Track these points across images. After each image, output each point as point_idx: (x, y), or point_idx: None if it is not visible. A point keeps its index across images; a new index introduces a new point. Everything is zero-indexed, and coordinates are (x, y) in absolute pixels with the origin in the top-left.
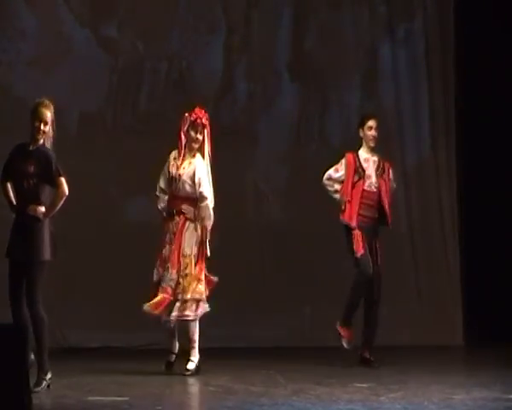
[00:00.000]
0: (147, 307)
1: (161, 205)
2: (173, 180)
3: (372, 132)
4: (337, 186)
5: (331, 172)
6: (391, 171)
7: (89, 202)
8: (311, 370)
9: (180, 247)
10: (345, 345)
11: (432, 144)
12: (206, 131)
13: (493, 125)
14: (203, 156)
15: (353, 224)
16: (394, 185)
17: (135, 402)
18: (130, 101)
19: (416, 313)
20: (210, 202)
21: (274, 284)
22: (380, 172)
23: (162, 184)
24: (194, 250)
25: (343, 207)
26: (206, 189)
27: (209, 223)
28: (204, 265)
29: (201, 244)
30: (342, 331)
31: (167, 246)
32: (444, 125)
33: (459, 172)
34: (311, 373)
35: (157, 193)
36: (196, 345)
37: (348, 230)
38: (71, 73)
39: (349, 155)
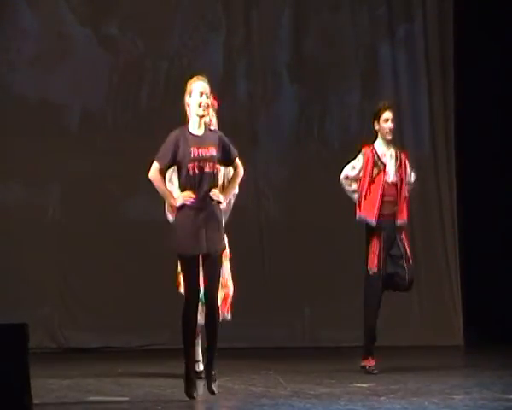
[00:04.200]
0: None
1: None
2: None
3: (388, 124)
4: (355, 186)
5: (348, 170)
6: (407, 162)
7: (89, 200)
8: (311, 370)
9: None
10: (375, 372)
11: (432, 144)
12: None
13: (493, 125)
14: None
15: (373, 220)
16: (413, 175)
17: (135, 402)
18: (130, 99)
19: (416, 313)
20: None
21: (274, 284)
22: (398, 165)
23: None
24: None
25: (360, 202)
26: None
27: None
28: None
29: None
30: (367, 363)
31: None
32: (444, 125)
33: (459, 172)
34: (311, 373)
35: None
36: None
37: (366, 230)
38: (72, 72)
39: (366, 149)
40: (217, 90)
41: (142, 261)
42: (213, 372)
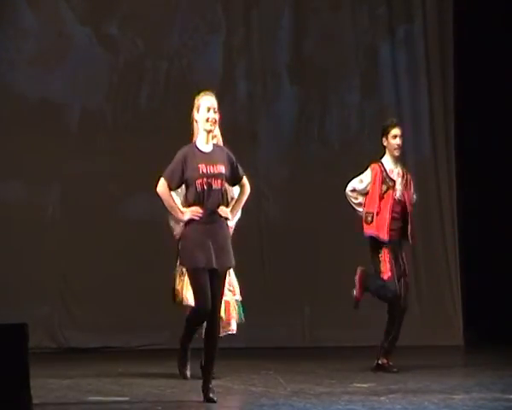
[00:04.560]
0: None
1: None
2: None
3: (397, 141)
4: (361, 199)
5: (355, 183)
6: (412, 182)
7: (89, 200)
8: (311, 370)
9: None
10: (353, 293)
11: (432, 144)
12: None
13: (493, 125)
14: None
15: (385, 238)
16: (415, 197)
17: (135, 402)
18: (130, 99)
19: (416, 313)
20: None
21: (274, 284)
22: (404, 183)
23: None
24: None
25: (369, 220)
26: None
27: None
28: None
29: None
30: (358, 283)
31: None
32: (444, 125)
33: (459, 172)
34: (311, 373)
35: None
36: None
37: (374, 244)
38: (72, 72)
39: (374, 165)
40: (217, 91)
41: (141, 261)
42: (210, 386)
